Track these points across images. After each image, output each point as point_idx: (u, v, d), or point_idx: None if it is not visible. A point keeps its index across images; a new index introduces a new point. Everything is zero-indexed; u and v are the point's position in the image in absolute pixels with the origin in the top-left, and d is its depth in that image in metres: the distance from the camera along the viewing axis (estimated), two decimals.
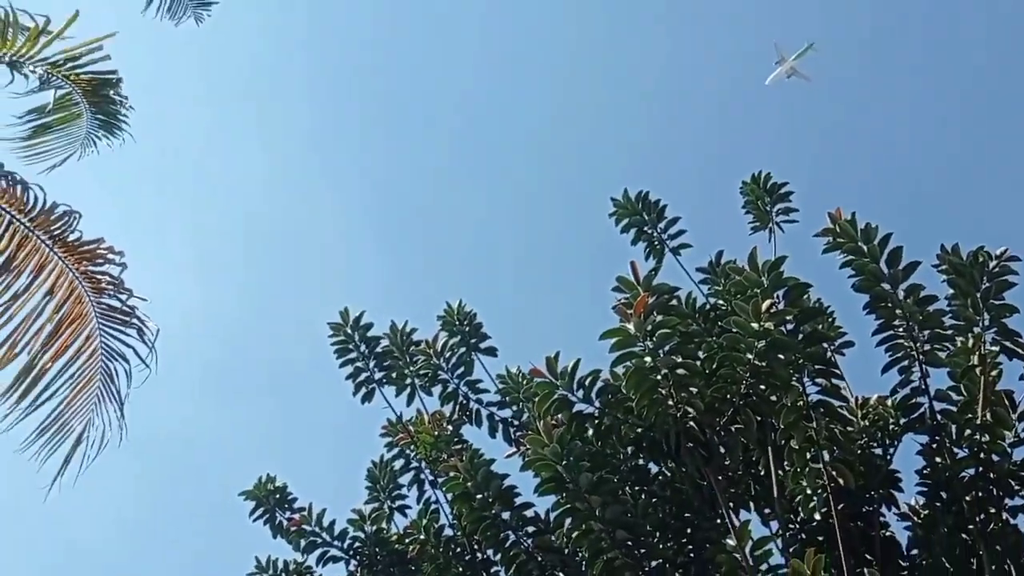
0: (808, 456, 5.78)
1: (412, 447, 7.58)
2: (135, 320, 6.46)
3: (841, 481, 5.72)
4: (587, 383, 5.95)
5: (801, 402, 5.69)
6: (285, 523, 7.69)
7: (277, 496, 7.77)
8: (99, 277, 6.61)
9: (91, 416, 6.45)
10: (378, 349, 7.86)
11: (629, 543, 5.79)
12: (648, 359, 5.63)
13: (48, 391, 6.43)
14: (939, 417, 5.89)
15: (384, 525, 7.55)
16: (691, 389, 5.69)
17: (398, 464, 7.70)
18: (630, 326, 5.64)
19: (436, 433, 7.50)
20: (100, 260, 6.60)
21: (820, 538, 5.86)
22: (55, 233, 6.68)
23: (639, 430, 5.94)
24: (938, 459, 5.92)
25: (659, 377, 5.63)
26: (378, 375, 7.81)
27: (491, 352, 7.61)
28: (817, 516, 5.92)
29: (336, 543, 7.52)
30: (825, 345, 5.93)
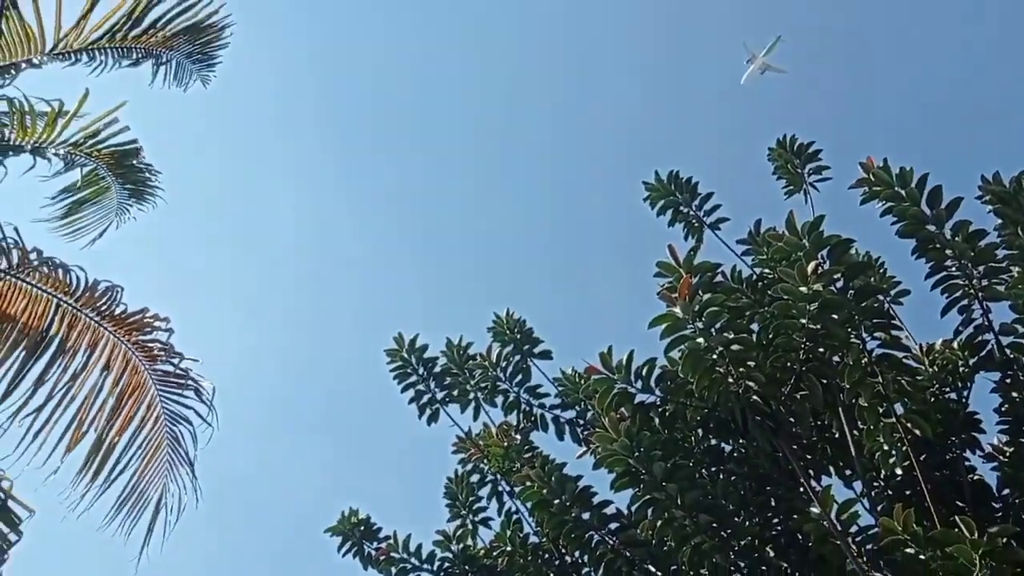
0: (880, 412, 5.65)
1: (484, 461, 7.57)
2: (191, 382, 6.58)
3: (918, 432, 5.59)
4: (644, 373, 5.88)
5: (864, 359, 5.57)
6: (374, 554, 7.72)
7: (362, 528, 7.80)
8: (150, 345, 6.75)
9: (165, 482, 6.58)
10: (436, 369, 7.86)
11: (714, 525, 5.71)
12: (701, 340, 5.54)
13: (120, 464, 6.58)
14: (1008, 352, 5.72)
15: (470, 541, 7.54)
16: (749, 363, 5.59)
17: (474, 479, 7.69)
18: (677, 310, 5.57)
19: (505, 444, 7.48)
20: (148, 329, 6.73)
21: (907, 492, 5.74)
22: (102, 309, 6.83)
23: (704, 411, 5.86)
24: (1014, 394, 5.75)
25: (715, 356, 5.55)
26: (440, 395, 7.82)
27: (546, 356, 7.55)
28: (899, 471, 5.79)
29: (426, 566, 7.52)
30: (880, 297, 5.78)
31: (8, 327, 7.02)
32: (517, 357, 7.57)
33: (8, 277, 7.01)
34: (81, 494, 6.44)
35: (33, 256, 6.97)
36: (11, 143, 7.32)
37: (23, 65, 7.28)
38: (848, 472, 6.04)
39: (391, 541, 7.66)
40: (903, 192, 5.70)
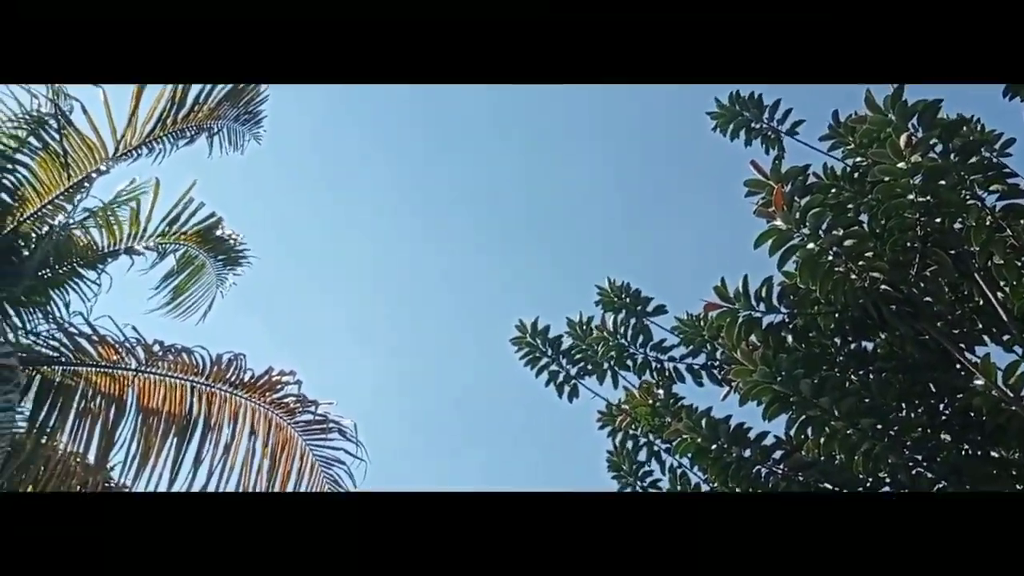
0: (1019, 265, 5.34)
1: (634, 425, 7.49)
2: (332, 424, 6.72)
3: None
4: (764, 295, 5.71)
5: (987, 216, 5.27)
6: None
7: None
8: (285, 401, 6.93)
9: None
10: (563, 347, 7.81)
11: (878, 427, 5.48)
12: (811, 245, 5.32)
13: None
14: None
15: None
16: (867, 255, 5.35)
17: (628, 445, 7.61)
18: (778, 222, 5.38)
19: (651, 401, 7.37)
20: (279, 386, 6.90)
21: None
22: (232, 380, 7.06)
23: (836, 316, 5.64)
24: None
25: (830, 257, 5.32)
26: (573, 371, 7.77)
27: (660, 311, 7.42)
28: None
29: None
30: (984, 152, 5.46)
31: (155, 420, 7.30)
32: (633, 320, 7.46)
33: (140, 373, 7.29)
34: None
35: (156, 348, 7.24)
36: (106, 251, 7.65)
37: (93, 176, 7.59)
38: (1005, 337, 5.73)
39: None
40: None
